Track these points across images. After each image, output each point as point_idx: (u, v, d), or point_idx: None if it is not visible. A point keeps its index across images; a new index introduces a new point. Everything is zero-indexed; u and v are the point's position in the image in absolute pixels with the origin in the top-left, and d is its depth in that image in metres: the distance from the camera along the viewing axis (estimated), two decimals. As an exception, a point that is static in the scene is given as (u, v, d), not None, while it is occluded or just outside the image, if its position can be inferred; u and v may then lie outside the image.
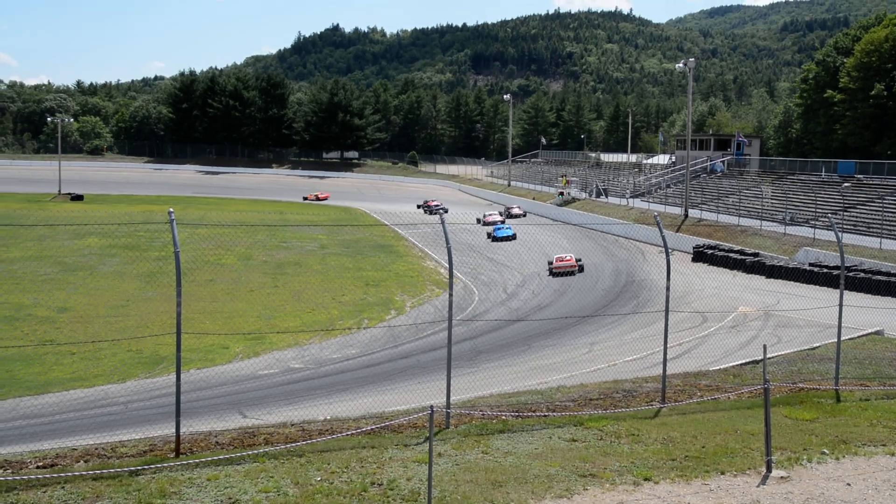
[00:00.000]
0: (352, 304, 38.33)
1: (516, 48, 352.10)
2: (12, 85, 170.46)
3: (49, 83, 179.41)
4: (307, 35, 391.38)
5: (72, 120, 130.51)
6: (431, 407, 9.87)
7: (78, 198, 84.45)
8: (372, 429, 12.60)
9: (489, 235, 56.86)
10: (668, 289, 14.93)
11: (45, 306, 36.23)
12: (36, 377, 25.38)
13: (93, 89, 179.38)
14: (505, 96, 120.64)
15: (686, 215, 56.63)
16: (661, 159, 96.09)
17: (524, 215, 72.27)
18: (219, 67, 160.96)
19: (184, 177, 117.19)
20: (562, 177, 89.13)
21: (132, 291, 39.88)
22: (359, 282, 43.86)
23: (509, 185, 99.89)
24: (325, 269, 47.82)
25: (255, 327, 32.72)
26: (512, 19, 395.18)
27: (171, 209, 12.27)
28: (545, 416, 13.57)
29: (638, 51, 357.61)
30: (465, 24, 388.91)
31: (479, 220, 66.78)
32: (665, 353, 15.02)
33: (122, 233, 56.97)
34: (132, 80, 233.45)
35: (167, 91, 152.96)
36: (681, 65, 58.30)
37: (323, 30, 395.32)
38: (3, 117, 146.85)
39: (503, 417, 13.38)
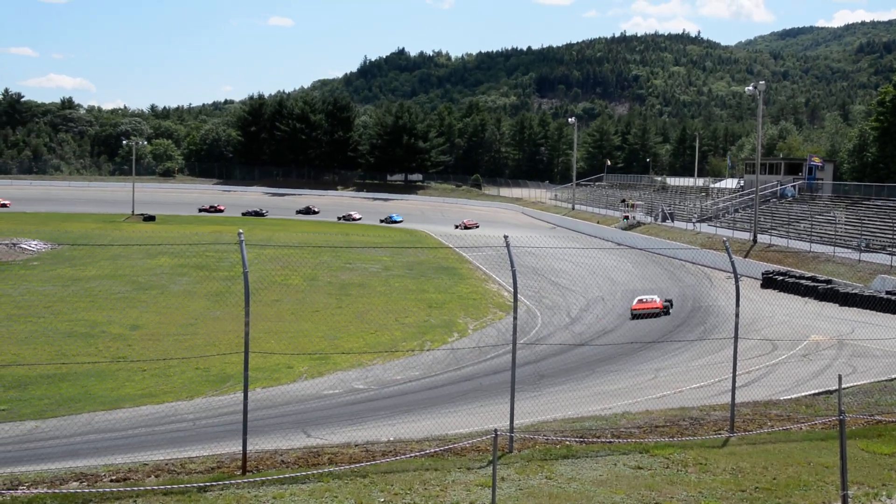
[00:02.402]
0: (415, 326, 38.45)
1: (581, 71, 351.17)
2: (90, 109, 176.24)
3: (125, 107, 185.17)
4: (373, 59, 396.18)
5: (145, 143, 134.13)
6: (495, 430, 9.82)
7: (150, 218, 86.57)
8: (435, 451, 12.59)
9: None
10: (737, 315, 14.65)
11: (118, 324, 37.12)
12: (109, 393, 25.99)
13: (166, 113, 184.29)
14: (570, 119, 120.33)
15: (755, 240, 55.59)
16: (729, 183, 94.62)
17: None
18: (286, 91, 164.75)
19: (251, 198, 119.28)
20: (622, 201, 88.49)
21: (201, 310, 40.63)
22: (422, 304, 43.99)
23: (573, 208, 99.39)
24: (389, 290, 48.10)
25: (320, 347, 33.02)
26: (577, 42, 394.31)
27: (241, 230, 12.50)
28: (610, 442, 13.40)
29: (706, 74, 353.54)
30: (529, 48, 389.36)
31: None
32: (734, 381, 14.71)
33: (191, 253, 58.15)
34: (203, 104, 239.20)
35: (236, 114, 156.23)
36: (750, 87, 57.50)
37: (389, 53, 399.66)
38: (81, 140, 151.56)
39: (567, 443, 13.24)
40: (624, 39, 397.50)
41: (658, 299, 40.21)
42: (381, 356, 31.65)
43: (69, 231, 72.99)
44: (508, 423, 13.14)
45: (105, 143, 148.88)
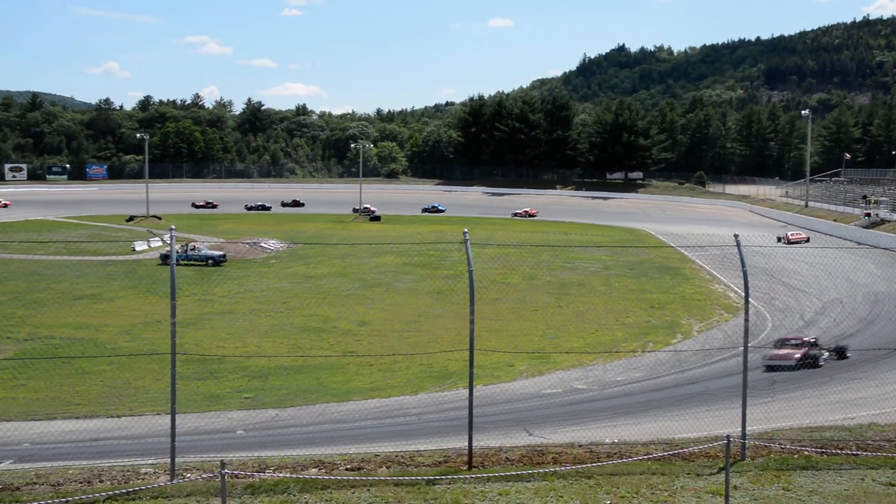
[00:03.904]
0: (636, 327, 37.69)
1: (816, 60, 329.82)
2: (322, 115, 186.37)
3: (353, 112, 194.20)
4: (592, 56, 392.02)
5: (371, 145, 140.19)
6: (728, 436, 9.41)
7: (376, 218, 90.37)
8: (661, 455, 12.24)
9: None
10: None
11: (347, 319, 39.03)
12: (340, 385, 27.35)
13: (390, 116, 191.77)
14: (803, 112, 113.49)
15: None
16: None
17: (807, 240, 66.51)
18: (506, 91, 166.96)
19: (471, 198, 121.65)
20: (863, 197, 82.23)
21: (424, 308, 41.91)
22: (643, 304, 43.06)
23: (806, 205, 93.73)
24: (609, 290, 47.44)
25: (540, 346, 33.10)
26: (812, 30, 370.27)
27: (466, 230, 12.72)
28: (855, 454, 12.45)
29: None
30: (758, 38, 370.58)
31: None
32: None
33: (414, 252, 60.12)
34: (425, 107, 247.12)
35: (457, 116, 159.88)
36: None
37: (608, 50, 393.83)
38: (313, 145, 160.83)
39: (805, 453, 12.45)
40: (867, 24, 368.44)
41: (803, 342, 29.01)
42: (602, 356, 31.27)
43: (303, 231, 77.62)
44: (740, 429, 12.54)
45: (335, 146, 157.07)
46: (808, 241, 66.49)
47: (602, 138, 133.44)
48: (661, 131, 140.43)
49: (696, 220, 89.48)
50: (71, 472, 11.84)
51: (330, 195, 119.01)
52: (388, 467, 11.87)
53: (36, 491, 10.81)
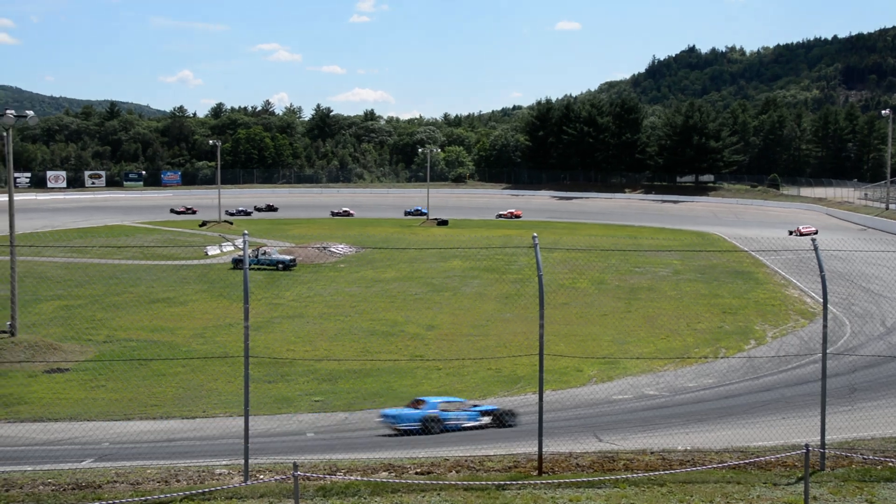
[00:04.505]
0: (707, 332, 37.03)
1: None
2: (390, 120, 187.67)
3: (420, 117, 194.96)
4: (661, 58, 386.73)
5: (438, 150, 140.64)
6: (806, 446, 9.16)
7: (443, 223, 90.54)
8: (736, 464, 11.99)
9: None
10: None
11: (415, 323, 39.19)
12: (409, 389, 27.43)
13: (457, 121, 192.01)
14: (883, 112, 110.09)
15: None
16: None
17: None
18: (573, 95, 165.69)
19: (538, 202, 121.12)
20: None
21: (492, 312, 41.84)
22: (715, 309, 42.29)
23: (887, 208, 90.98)
24: (679, 294, 46.72)
25: (609, 351, 32.78)
26: (893, 27, 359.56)
27: (535, 234, 12.66)
28: (941, 467, 12.02)
29: None
30: (835, 37, 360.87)
31: None
32: None
33: (482, 256, 60.10)
34: (492, 111, 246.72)
35: (524, 119, 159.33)
36: None
37: (678, 52, 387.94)
38: (381, 150, 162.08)
39: (890, 464, 12.06)
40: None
41: None
42: (673, 362, 30.81)
43: (371, 235, 78.24)
44: (818, 438, 12.20)
45: (402, 151, 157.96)
46: (816, 233, 72.48)
47: (672, 141, 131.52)
48: (732, 133, 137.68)
49: (770, 223, 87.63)
50: (149, 471, 12.12)
51: (398, 199, 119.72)
52: (457, 471, 11.87)
53: (116, 489, 11.09)
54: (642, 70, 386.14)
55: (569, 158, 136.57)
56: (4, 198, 38.46)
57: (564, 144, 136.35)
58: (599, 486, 11.03)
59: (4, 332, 32.83)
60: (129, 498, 10.37)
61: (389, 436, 20.23)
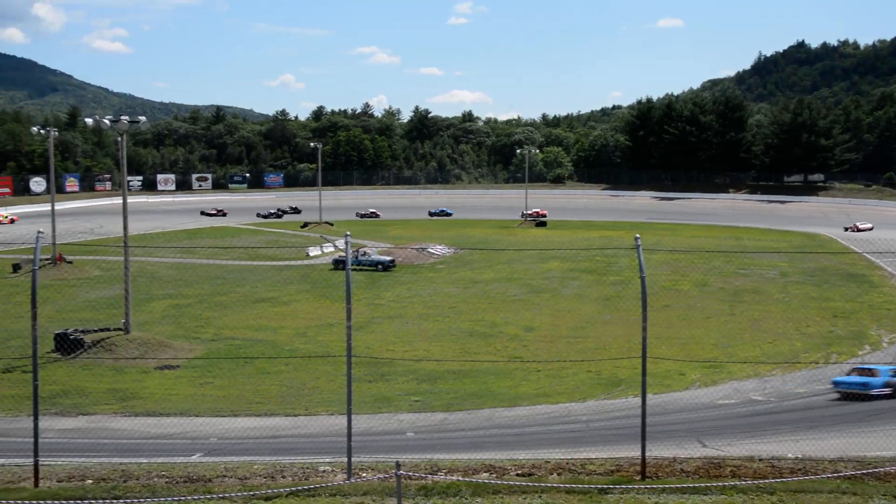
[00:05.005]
0: (817, 337, 35.76)
1: None
2: (487, 121, 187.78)
3: (518, 118, 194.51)
4: (768, 54, 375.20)
5: (537, 151, 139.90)
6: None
7: (542, 223, 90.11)
8: (852, 474, 11.52)
9: None
10: None
11: (514, 325, 39.09)
12: (507, 390, 27.40)
13: (556, 121, 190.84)
14: None
15: None
16: None
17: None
18: (675, 93, 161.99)
19: (639, 203, 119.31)
20: None
21: (591, 314, 41.40)
22: (825, 312, 40.81)
23: None
24: (787, 297, 45.26)
25: (712, 355, 32.00)
26: None
27: (638, 235, 12.46)
28: None
29: None
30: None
31: None
32: None
33: (581, 257, 59.54)
34: (591, 111, 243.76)
35: (624, 119, 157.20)
36: None
37: (786, 47, 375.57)
38: (479, 151, 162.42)
39: None
40: None
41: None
42: (780, 367, 29.85)
43: (469, 236, 78.40)
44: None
45: (500, 152, 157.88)
46: (871, 229, 78.03)
47: (779, 139, 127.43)
48: (844, 130, 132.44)
49: (886, 223, 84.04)
50: (256, 466, 12.43)
51: (496, 200, 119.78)
52: (558, 474, 11.77)
53: (225, 483, 11.41)
54: (747, 67, 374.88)
55: (670, 158, 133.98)
56: (119, 200, 40.06)
57: (665, 144, 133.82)
58: (705, 492, 10.76)
59: (119, 329, 34.18)
60: (237, 492, 10.66)
61: (489, 437, 20.22)
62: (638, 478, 11.50)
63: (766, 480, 11.18)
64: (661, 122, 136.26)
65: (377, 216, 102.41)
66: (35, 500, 10.71)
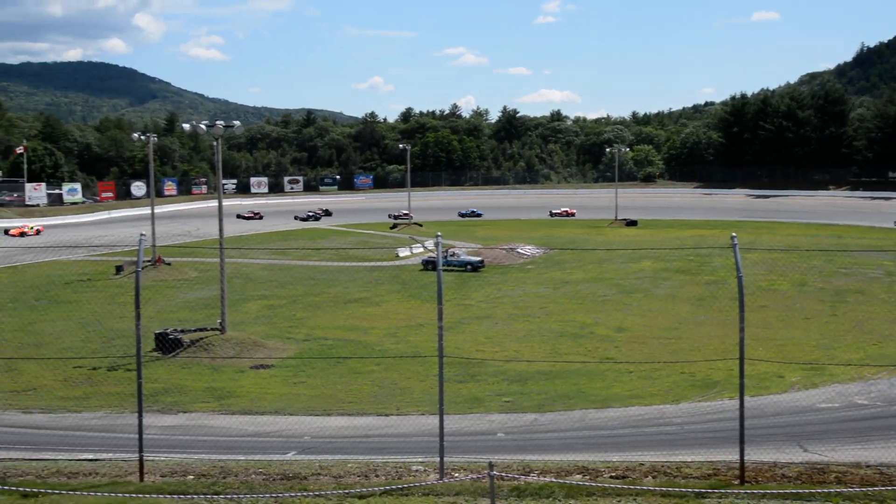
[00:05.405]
0: (931, 339, 34.23)
1: None
2: (576, 120, 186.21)
3: (608, 116, 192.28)
4: (872, 45, 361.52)
5: (627, 149, 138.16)
6: None
7: (632, 223, 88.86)
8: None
9: None
10: None
11: (605, 325, 38.61)
12: (598, 391, 27.05)
13: (646, 119, 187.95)
14: None
15: None
16: None
17: None
18: (770, 88, 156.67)
19: (732, 201, 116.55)
20: None
21: (684, 314, 40.57)
22: (936, 313, 39.10)
23: None
24: (894, 298, 43.50)
25: (812, 357, 30.93)
26: None
27: (734, 234, 12.15)
28: None
29: None
30: None
31: None
32: None
33: (674, 257, 58.49)
34: (683, 108, 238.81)
35: (717, 116, 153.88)
36: None
37: (891, 37, 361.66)
38: (568, 150, 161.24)
39: None
40: None
41: None
42: (887, 370, 28.65)
43: (558, 236, 77.89)
44: None
45: (589, 151, 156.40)
46: None
47: (884, 133, 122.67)
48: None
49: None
50: (349, 465, 12.56)
51: (585, 200, 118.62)
52: (653, 477, 11.55)
53: (320, 481, 11.56)
54: (849, 59, 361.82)
55: (765, 155, 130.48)
56: (215, 203, 41.13)
57: (761, 141, 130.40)
58: (809, 498, 10.39)
59: (216, 329, 35.07)
60: (332, 490, 10.79)
61: (581, 438, 20.01)
62: (736, 482, 11.19)
63: (876, 488, 10.72)
64: (755, 118, 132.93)
65: (479, 215, 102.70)
66: (140, 493, 11.07)
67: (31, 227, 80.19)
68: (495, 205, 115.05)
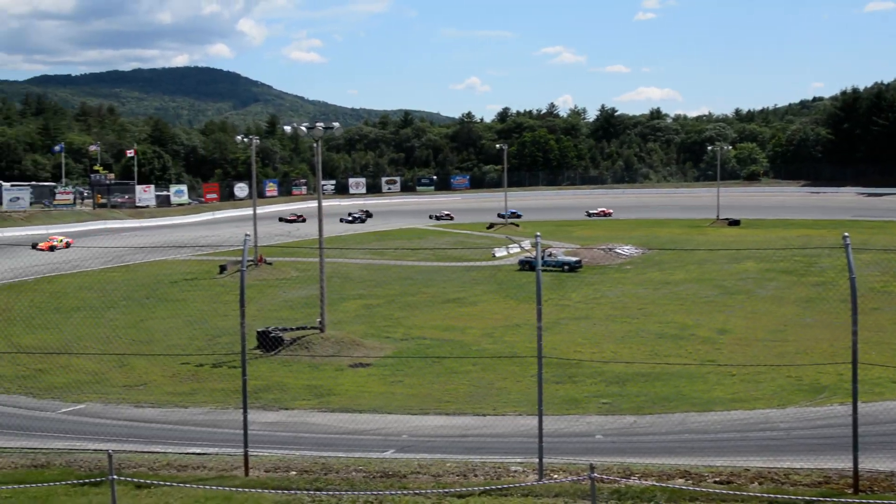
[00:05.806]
0: None
1: None
2: (676, 118, 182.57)
3: (709, 114, 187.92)
4: None
5: (729, 147, 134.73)
6: None
7: (735, 223, 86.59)
8: None
9: None
10: None
11: (706, 327, 37.71)
12: (699, 394, 26.42)
13: (750, 116, 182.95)
14: None
15: None
16: None
17: None
18: (885, 82, 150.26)
19: (842, 199, 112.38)
20: None
21: (790, 316, 39.32)
22: None
23: None
24: None
25: (932, 362, 29.53)
26: None
27: (846, 234, 11.68)
28: None
29: None
30: None
31: None
32: None
33: (778, 257, 56.76)
34: (789, 104, 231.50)
35: (826, 111, 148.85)
36: None
37: None
38: (668, 149, 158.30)
39: None
40: None
41: None
42: None
43: (658, 236, 76.53)
44: None
45: (690, 149, 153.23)
46: None
47: None
48: None
49: None
50: (448, 464, 12.58)
51: (685, 199, 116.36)
52: (759, 483, 11.18)
53: (419, 480, 11.61)
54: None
55: (878, 152, 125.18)
56: (315, 203, 41.85)
57: (874, 136, 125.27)
58: (929, 511, 9.90)
59: (315, 328, 35.70)
60: (431, 489, 10.81)
61: (681, 442, 19.59)
62: (850, 491, 10.73)
63: None
64: (868, 112, 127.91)
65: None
66: (246, 487, 11.34)
67: (61, 240, 73.60)
68: (588, 205, 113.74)
